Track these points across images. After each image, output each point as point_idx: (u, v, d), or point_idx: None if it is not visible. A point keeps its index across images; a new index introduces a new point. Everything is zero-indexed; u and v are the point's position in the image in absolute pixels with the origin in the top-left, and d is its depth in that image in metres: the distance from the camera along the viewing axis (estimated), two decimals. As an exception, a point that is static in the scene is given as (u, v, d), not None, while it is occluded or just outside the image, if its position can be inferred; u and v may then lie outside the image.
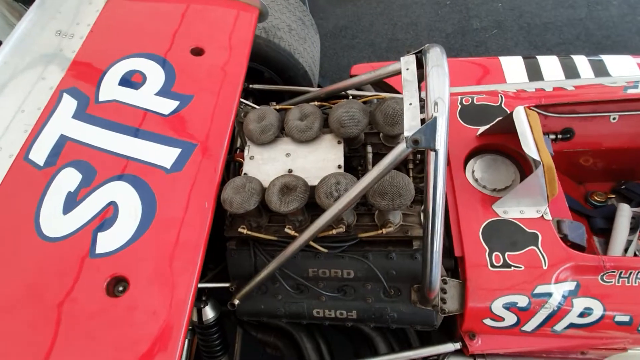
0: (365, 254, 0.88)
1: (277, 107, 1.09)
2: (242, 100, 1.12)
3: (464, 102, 1.05)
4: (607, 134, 1.21)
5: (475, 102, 1.05)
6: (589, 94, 1.10)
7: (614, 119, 1.19)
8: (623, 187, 1.32)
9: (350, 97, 1.15)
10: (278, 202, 0.82)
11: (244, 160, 0.97)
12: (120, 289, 0.71)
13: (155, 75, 0.97)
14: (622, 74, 1.33)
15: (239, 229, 0.88)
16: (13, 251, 0.74)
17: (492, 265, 0.81)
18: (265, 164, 0.96)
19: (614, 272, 0.78)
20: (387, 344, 1.00)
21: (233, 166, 1.07)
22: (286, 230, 0.85)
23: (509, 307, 0.81)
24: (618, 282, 0.79)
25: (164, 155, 0.85)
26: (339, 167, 0.90)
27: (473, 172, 0.94)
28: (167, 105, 0.93)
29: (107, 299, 0.69)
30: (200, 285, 0.88)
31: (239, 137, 1.15)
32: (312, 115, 0.94)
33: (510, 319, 0.83)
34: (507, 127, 0.89)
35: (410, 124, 0.63)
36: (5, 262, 0.74)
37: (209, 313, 1.05)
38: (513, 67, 1.45)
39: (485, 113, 1.01)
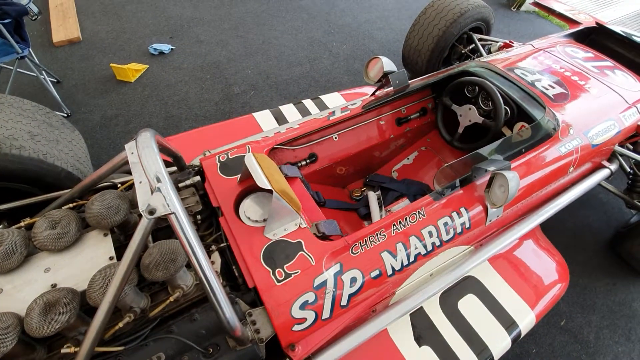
0: (170, 328, 0.88)
1: (26, 222, 0.98)
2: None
3: (221, 159, 1.24)
4: (336, 150, 1.66)
5: (230, 156, 1.25)
6: (307, 127, 1.49)
7: (335, 138, 1.67)
8: (368, 179, 1.83)
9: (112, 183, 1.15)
10: (42, 325, 0.73)
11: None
12: None
13: None
14: (334, 105, 1.87)
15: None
16: None
17: (278, 281, 0.97)
18: (21, 291, 0.84)
19: (356, 244, 1.08)
20: None
21: None
22: (64, 350, 0.76)
23: (304, 306, 0.98)
24: (362, 250, 1.09)
25: None
26: (111, 258, 0.89)
27: (245, 212, 1.11)
28: None
29: None
30: None
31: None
32: (64, 220, 0.90)
33: (310, 316, 1.00)
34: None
35: (143, 198, 0.71)
36: None
37: None
38: (264, 119, 1.80)
39: (239, 163, 1.22)
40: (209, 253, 1.04)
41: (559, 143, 1.44)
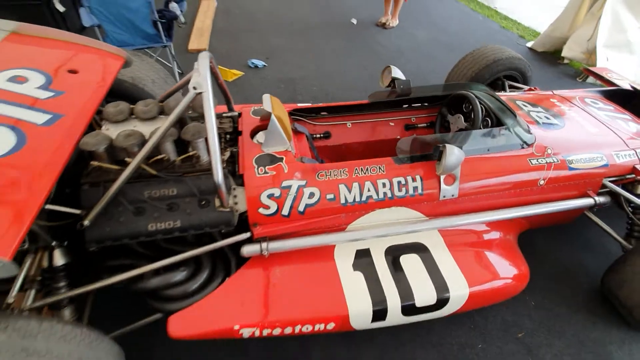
0: (184, 177, 1.38)
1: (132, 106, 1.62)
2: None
3: (255, 108, 1.77)
4: (348, 135, 2.08)
5: (259, 107, 1.78)
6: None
7: (349, 125, 2.10)
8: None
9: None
10: (122, 140, 1.30)
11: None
12: None
13: (37, 79, 1.42)
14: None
15: (91, 162, 1.30)
16: None
17: (258, 174, 1.41)
18: (116, 130, 1.44)
19: (322, 172, 1.47)
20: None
21: None
22: (126, 159, 1.31)
23: (270, 197, 1.39)
24: (325, 178, 1.46)
25: (39, 118, 1.27)
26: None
27: (256, 137, 1.60)
28: (44, 95, 1.37)
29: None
30: (48, 206, 1.20)
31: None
32: (152, 104, 1.51)
33: (273, 206, 1.39)
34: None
35: (194, 81, 1.26)
36: None
37: (58, 257, 1.32)
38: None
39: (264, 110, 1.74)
40: (223, 150, 1.53)
41: (532, 157, 1.64)
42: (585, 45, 3.69)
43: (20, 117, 1.23)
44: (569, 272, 1.93)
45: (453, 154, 1.41)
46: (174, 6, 3.01)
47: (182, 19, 3.07)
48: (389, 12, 4.73)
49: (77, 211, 1.28)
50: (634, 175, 1.76)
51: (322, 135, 2.04)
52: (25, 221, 0.97)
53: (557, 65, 3.98)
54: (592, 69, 2.73)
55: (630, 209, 1.75)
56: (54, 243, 1.29)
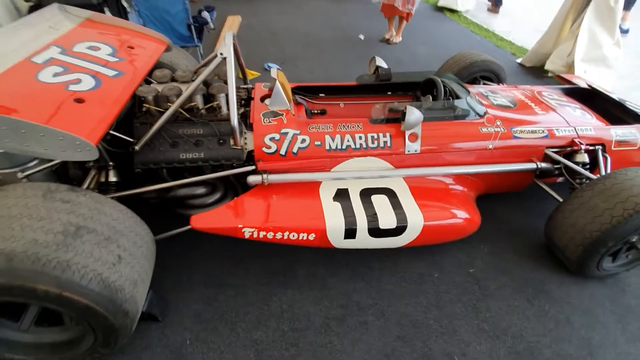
0: (210, 122, 1.84)
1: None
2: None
3: (265, 83, 2.25)
4: (341, 113, 2.52)
5: (266, 83, 2.25)
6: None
7: (341, 105, 2.55)
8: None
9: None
10: (166, 91, 1.79)
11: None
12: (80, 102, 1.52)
13: (106, 49, 1.94)
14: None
15: (143, 104, 1.78)
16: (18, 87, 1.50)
17: (263, 122, 1.86)
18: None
19: (313, 125, 1.90)
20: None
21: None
22: (168, 104, 1.78)
23: (271, 140, 1.83)
24: (315, 130, 1.89)
25: (109, 72, 1.77)
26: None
27: (265, 102, 2.06)
28: (112, 59, 1.88)
29: (74, 103, 1.49)
30: (111, 131, 1.68)
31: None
32: (187, 72, 2.01)
33: (273, 147, 1.84)
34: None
35: (220, 50, 1.74)
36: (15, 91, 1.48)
37: (112, 175, 1.79)
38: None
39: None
40: (239, 108, 1.99)
41: (483, 126, 2.04)
42: (565, 59, 4.10)
43: (97, 70, 1.74)
44: (522, 231, 2.27)
45: (413, 114, 1.83)
46: (205, 14, 3.61)
47: (211, 25, 3.67)
48: (392, 28, 5.28)
49: (131, 139, 1.75)
50: (572, 147, 2.12)
51: (319, 111, 2.50)
52: (104, 126, 1.44)
53: (542, 77, 4.38)
54: (562, 75, 3.14)
55: (568, 175, 2.10)
56: (110, 164, 1.76)
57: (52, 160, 1.63)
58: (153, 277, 1.56)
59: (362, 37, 5.47)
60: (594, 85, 2.77)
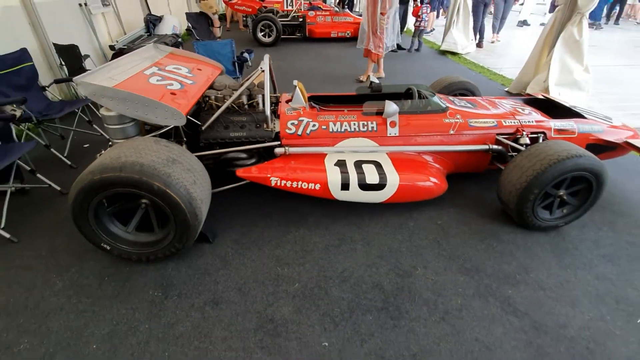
0: (251, 113, 2.72)
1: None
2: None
3: (288, 95, 3.14)
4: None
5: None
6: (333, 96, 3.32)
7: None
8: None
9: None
10: (224, 92, 2.71)
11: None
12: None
13: (185, 70, 2.92)
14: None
15: (209, 101, 2.69)
16: (140, 85, 2.46)
17: (285, 114, 2.71)
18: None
19: (320, 115, 2.73)
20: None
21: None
22: (225, 99, 2.68)
23: (292, 124, 2.67)
24: (322, 119, 2.72)
25: (188, 80, 2.72)
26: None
27: (290, 103, 2.93)
28: (189, 75, 2.85)
29: (171, 94, 2.42)
30: (188, 116, 2.58)
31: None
32: (236, 84, 2.95)
33: (292, 129, 2.67)
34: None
35: (262, 66, 2.67)
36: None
37: (184, 147, 2.67)
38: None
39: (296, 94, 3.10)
40: (271, 106, 2.87)
41: (445, 117, 2.80)
42: (542, 84, 4.84)
43: (181, 80, 2.70)
44: (485, 200, 2.90)
45: (391, 106, 2.63)
46: (245, 55, 4.73)
47: (249, 63, 4.78)
48: (370, 70, 6.14)
49: (199, 122, 2.65)
50: (516, 134, 2.81)
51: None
52: (188, 107, 2.35)
53: (525, 101, 5.10)
54: (530, 93, 3.88)
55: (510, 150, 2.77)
56: (184, 139, 2.64)
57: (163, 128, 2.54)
58: (208, 216, 2.33)
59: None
60: (548, 96, 3.48)
